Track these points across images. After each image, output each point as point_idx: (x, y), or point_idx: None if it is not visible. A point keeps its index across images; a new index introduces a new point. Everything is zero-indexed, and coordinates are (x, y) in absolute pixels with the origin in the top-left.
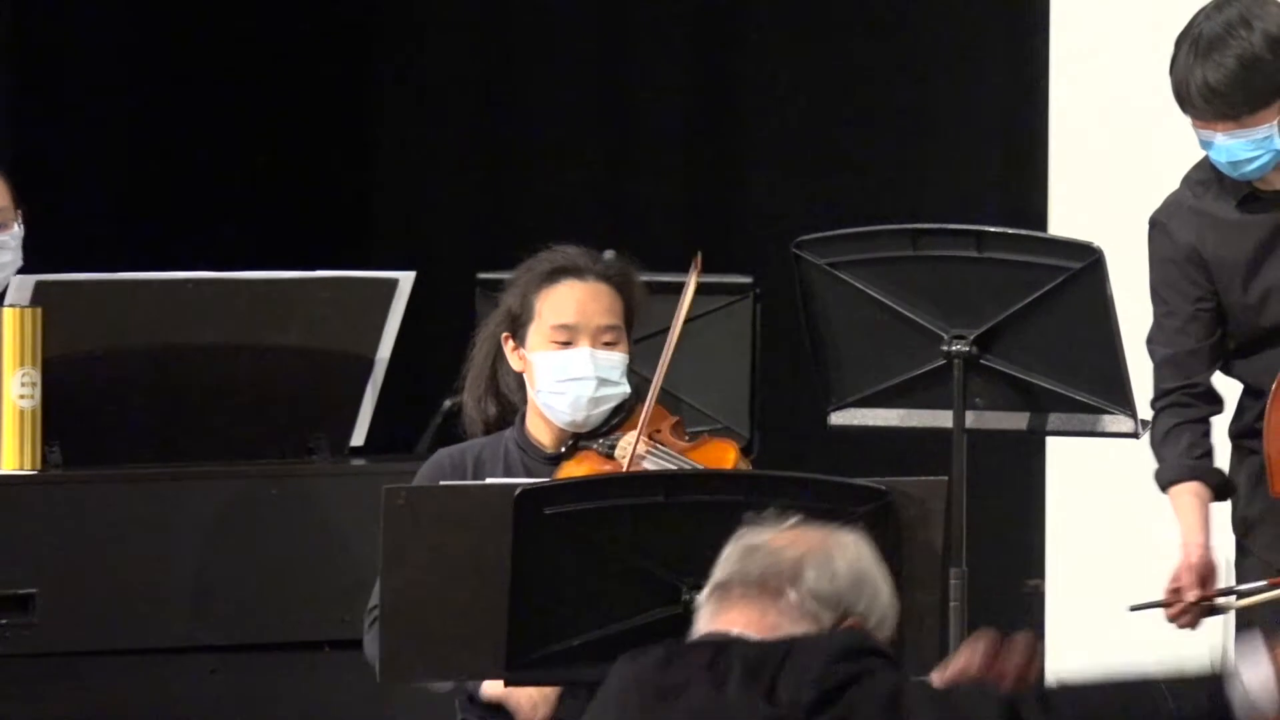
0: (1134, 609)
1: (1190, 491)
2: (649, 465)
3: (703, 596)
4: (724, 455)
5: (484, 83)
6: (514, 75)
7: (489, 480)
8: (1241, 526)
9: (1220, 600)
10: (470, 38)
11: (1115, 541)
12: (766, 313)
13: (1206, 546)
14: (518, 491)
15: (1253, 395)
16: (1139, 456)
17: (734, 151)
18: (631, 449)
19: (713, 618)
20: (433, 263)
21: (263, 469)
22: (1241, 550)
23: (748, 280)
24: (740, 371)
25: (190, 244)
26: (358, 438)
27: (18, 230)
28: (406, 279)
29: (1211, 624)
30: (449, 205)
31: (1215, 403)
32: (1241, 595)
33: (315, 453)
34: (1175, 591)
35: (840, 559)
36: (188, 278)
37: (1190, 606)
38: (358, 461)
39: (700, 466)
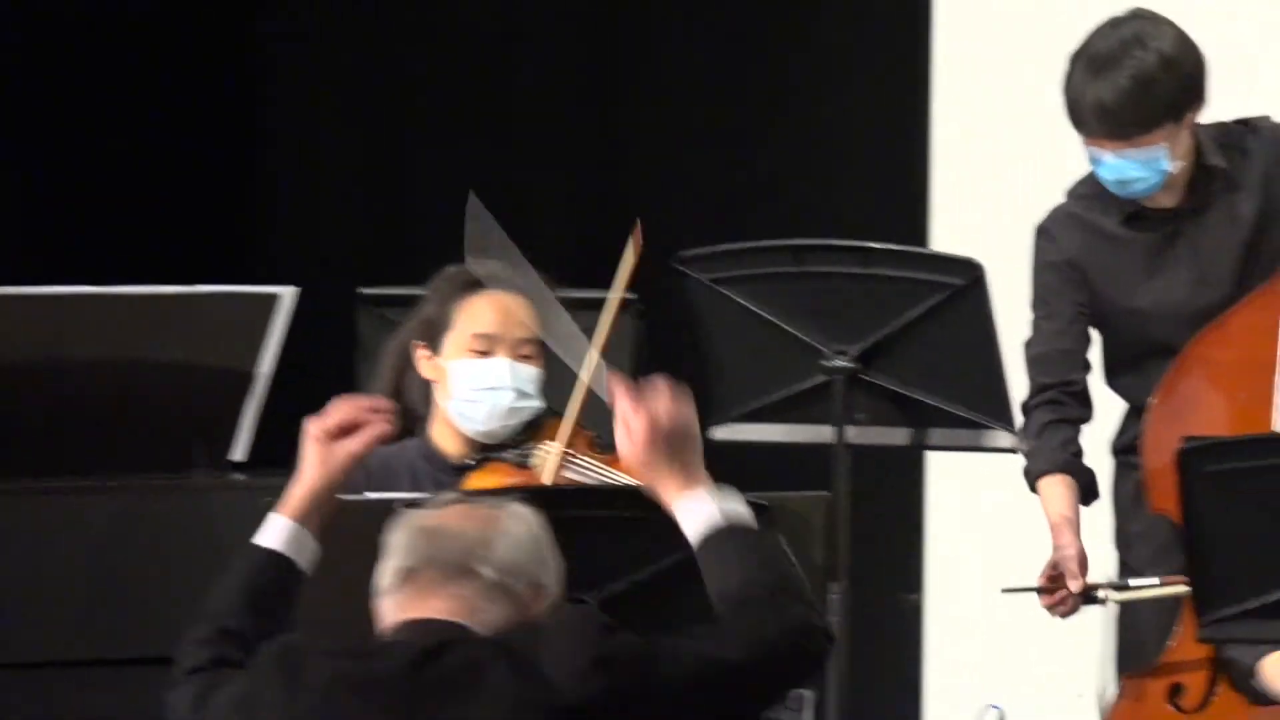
0: (1007, 591)
1: (1063, 483)
2: (572, 475)
3: (385, 583)
4: None
5: (367, 98)
6: (397, 90)
7: (404, 494)
8: (1123, 542)
9: (1101, 591)
10: (354, 52)
11: (993, 556)
12: (651, 328)
13: (1078, 537)
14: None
15: (1136, 413)
16: (1019, 470)
17: (619, 167)
18: (553, 458)
19: (408, 605)
20: (315, 278)
21: (143, 483)
22: (1123, 566)
23: (631, 296)
24: None
25: (70, 258)
26: (239, 452)
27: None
28: (289, 294)
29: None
30: (332, 221)
31: (1088, 406)
32: (1126, 589)
33: (195, 467)
34: (1054, 579)
35: (517, 528)
36: (68, 292)
37: (1070, 595)
38: (238, 476)
39: (624, 476)
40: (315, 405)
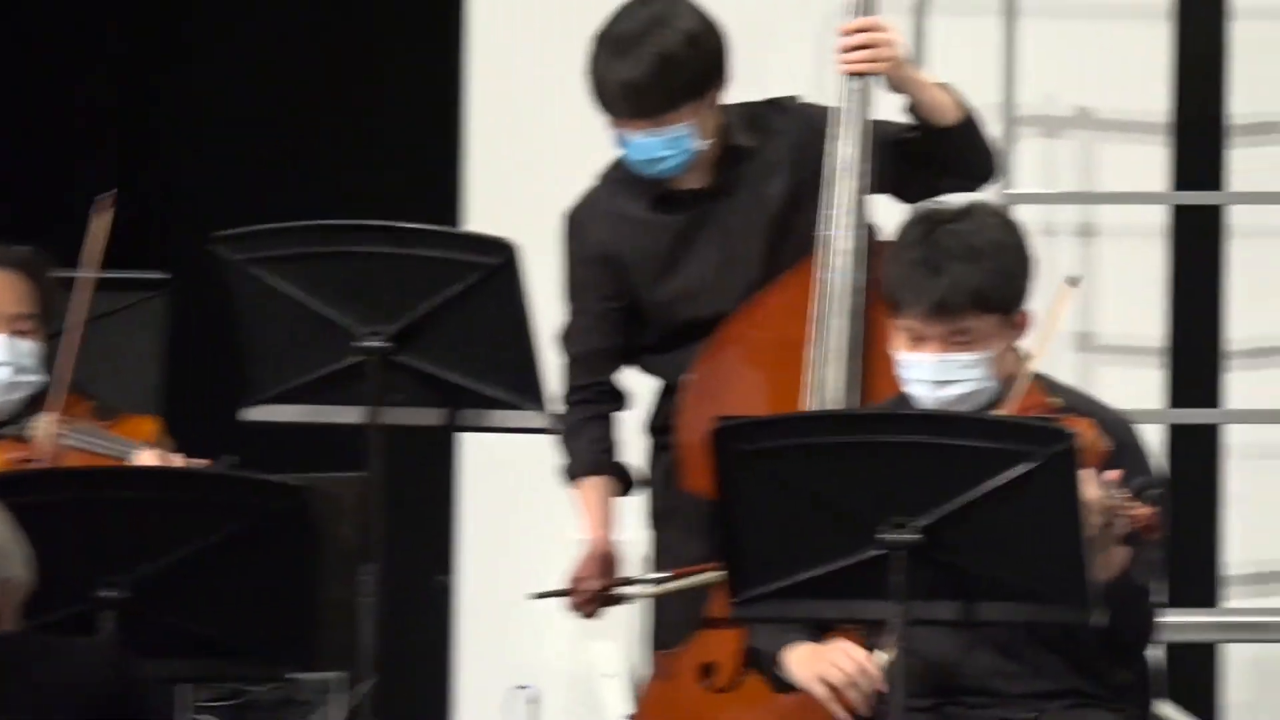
0: (534, 597)
1: (595, 485)
2: (72, 443)
3: None
4: (144, 428)
5: None
6: None
7: None
8: (654, 519)
9: (622, 590)
10: None
11: (525, 537)
12: (190, 306)
13: (609, 538)
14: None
15: (670, 392)
16: (551, 450)
17: (157, 146)
18: (45, 426)
19: None
20: None
21: None
22: (656, 544)
23: (164, 276)
24: (151, 367)
25: None
26: None
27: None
28: None
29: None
30: None
31: (620, 400)
32: (645, 584)
33: None
34: (579, 580)
35: None
36: None
37: (593, 595)
38: None
39: (125, 439)
40: None
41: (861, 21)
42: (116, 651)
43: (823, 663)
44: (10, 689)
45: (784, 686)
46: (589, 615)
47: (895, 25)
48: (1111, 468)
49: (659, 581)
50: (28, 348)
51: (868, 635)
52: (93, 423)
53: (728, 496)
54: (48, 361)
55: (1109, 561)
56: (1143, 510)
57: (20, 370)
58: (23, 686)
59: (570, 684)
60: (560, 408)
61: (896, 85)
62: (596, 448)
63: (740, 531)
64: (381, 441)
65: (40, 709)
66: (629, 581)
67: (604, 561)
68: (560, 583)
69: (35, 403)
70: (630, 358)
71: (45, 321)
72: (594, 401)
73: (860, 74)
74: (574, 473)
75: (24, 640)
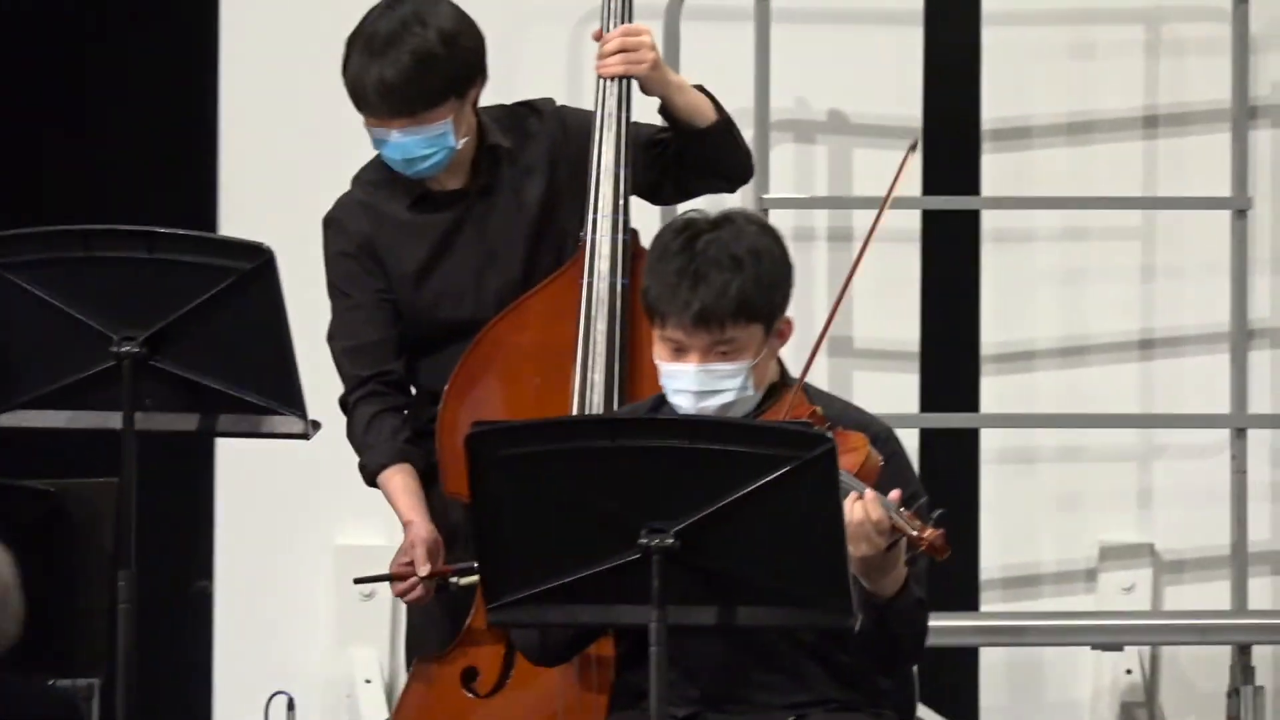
0: (359, 581)
1: (404, 472)
2: None
3: None
4: None
5: None
6: None
7: None
8: None
9: (453, 576)
10: None
11: (284, 542)
12: None
13: (427, 523)
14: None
15: (431, 396)
16: (310, 456)
17: None
18: None
19: None
20: None
21: None
22: None
23: None
24: None
25: None
26: None
27: None
28: None
29: None
30: None
31: (407, 393)
32: (470, 572)
33: None
34: (407, 565)
35: None
36: None
37: (422, 581)
38: None
39: None
40: None
41: (618, 28)
42: None
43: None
44: None
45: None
46: (416, 600)
47: (649, 30)
48: (885, 485)
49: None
50: None
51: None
52: None
53: (484, 501)
54: None
55: (891, 578)
56: (931, 532)
57: None
58: None
59: (327, 690)
60: (346, 404)
61: (652, 88)
62: (397, 439)
63: (498, 536)
64: (134, 447)
65: None
66: (458, 571)
67: (430, 545)
68: (337, 587)
69: None
70: (405, 351)
71: None
72: (382, 394)
73: (618, 76)
74: (377, 466)
75: None
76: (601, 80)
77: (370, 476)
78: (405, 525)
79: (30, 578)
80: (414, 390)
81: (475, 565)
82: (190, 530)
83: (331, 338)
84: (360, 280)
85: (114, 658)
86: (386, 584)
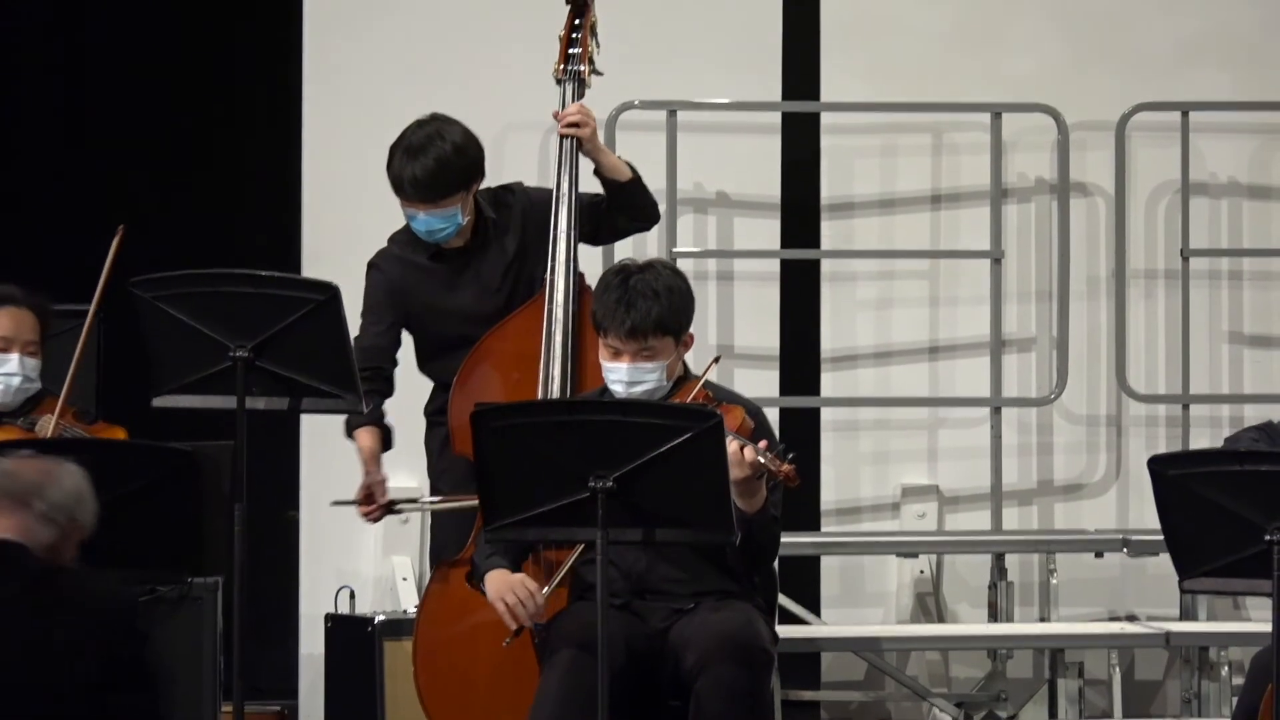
0: (335, 504)
1: (370, 433)
2: (67, 435)
3: None
4: (114, 434)
5: None
6: None
7: None
8: (434, 475)
9: (401, 505)
10: None
11: (349, 484)
12: (112, 332)
13: (378, 470)
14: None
15: (443, 387)
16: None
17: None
18: (53, 425)
19: None
20: None
21: None
22: (434, 490)
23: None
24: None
25: None
26: None
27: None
28: None
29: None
30: None
31: (390, 386)
32: (417, 504)
33: None
34: (367, 496)
35: (68, 480)
36: None
37: (378, 508)
38: None
39: (99, 438)
40: None
41: (574, 106)
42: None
43: (505, 587)
44: (64, 614)
45: (481, 593)
46: (373, 521)
47: (593, 113)
48: (755, 438)
49: (431, 504)
50: (33, 364)
51: (546, 576)
52: (77, 425)
53: (484, 458)
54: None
55: (757, 500)
56: (787, 467)
57: (28, 380)
58: (74, 611)
59: (376, 585)
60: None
61: (590, 152)
62: (373, 413)
63: (493, 481)
64: (245, 420)
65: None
66: (408, 501)
67: (376, 487)
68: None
69: (30, 403)
70: (395, 362)
71: (44, 343)
72: (370, 379)
73: (572, 137)
74: (355, 425)
75: (79, 575)
76: (561, 144)
77: (349, 431)
78: (365, 468)
79: (174, 510)
80: (431, 383)
81: (419, 500)
82: (284, 477)
83: (356, 340)
84: (383, 311)
85: (232, 564)
86: (417, 513)
